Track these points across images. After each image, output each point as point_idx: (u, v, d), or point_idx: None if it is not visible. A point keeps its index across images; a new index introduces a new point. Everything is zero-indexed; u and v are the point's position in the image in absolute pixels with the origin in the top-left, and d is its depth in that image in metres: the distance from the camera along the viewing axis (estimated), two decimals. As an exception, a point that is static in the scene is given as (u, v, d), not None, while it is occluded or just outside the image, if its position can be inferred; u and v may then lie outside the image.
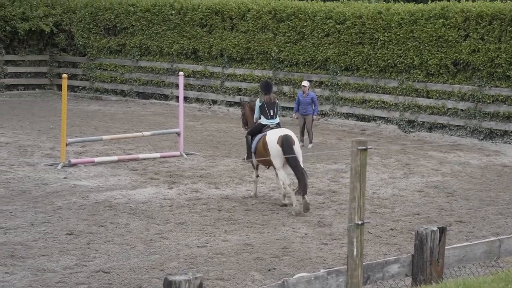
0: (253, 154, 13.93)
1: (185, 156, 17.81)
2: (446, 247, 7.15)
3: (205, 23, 26.89)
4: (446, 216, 13.13)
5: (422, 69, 22.40)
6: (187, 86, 26.33)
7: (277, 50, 25.11)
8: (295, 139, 13.44)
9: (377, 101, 23.31)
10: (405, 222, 12.65)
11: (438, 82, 22.18)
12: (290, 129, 14.20)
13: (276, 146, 13.24)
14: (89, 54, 29.83)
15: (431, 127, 22.38)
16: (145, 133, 18.56)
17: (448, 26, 21.82)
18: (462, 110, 21.75)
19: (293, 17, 24.77)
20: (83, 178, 15.34)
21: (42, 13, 29.68)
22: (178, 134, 18.20)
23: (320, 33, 24.21)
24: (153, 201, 13.64)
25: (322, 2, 25.36)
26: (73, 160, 16.53)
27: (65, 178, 15.28)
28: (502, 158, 19.14)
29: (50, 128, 21.31)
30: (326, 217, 12.88)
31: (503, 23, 20.96)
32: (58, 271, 9.85)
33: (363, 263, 6.49)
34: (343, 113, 24.05)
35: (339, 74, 24.00)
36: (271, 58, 25.33)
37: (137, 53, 28.56)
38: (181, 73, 18.69)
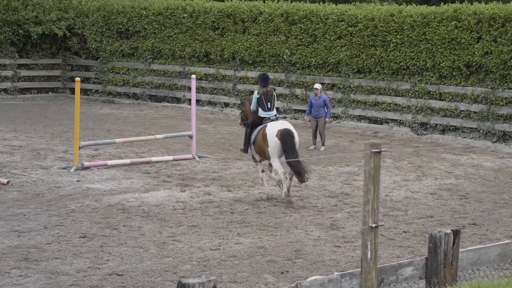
0: (252, 145, 14.26)
1: (197, 159, 17.82)
2: (460, 250, 7.12)
3: (217, 26, 26.92)
4: (460, 218, 13.08)
5: (435, 71, 22.33)
6: (199, 89, 26.35)
7: (289, 53, 25.11)
8: (294, 131, 13.92)
9: (390, 103, 23.26)
10: (418, 224, 12.62)
11: (450, 85, 22.11)
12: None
13: (275, 139, 13.76)
14: (101, 58, 29.91)
15: (444, 130, 22.31)
16: (158, 136, 18.57)
17: (460, 28, 21.75)
18: (475, 112, 21.67)
19: (305, 19, 24.76)
20: (96, 181, 15.38)
21: (55, 17, 29.78)
22: (190, 137, 18.21)
23: (332, 35, 24.19)
24: (166, 204, 13.66)
25: (334, 5, 25.36)
26: (86, 163, 16.58)
27: (78, 181, 15.33)
28: (516, 161, 19.08)
29: (63, 132, 21.37)
30: (339, 220, 12.86)
31: (516, 25, 20.89)
32: (71, 274, 9.87)
33: (377, 266, 6.48)
34: (356, 115, 24.01)
35: (351, 77, 23.97)
36: (283, 61, 25.33)
37: (149, 56, 28.61)
38: (193, 76, 18.71)
